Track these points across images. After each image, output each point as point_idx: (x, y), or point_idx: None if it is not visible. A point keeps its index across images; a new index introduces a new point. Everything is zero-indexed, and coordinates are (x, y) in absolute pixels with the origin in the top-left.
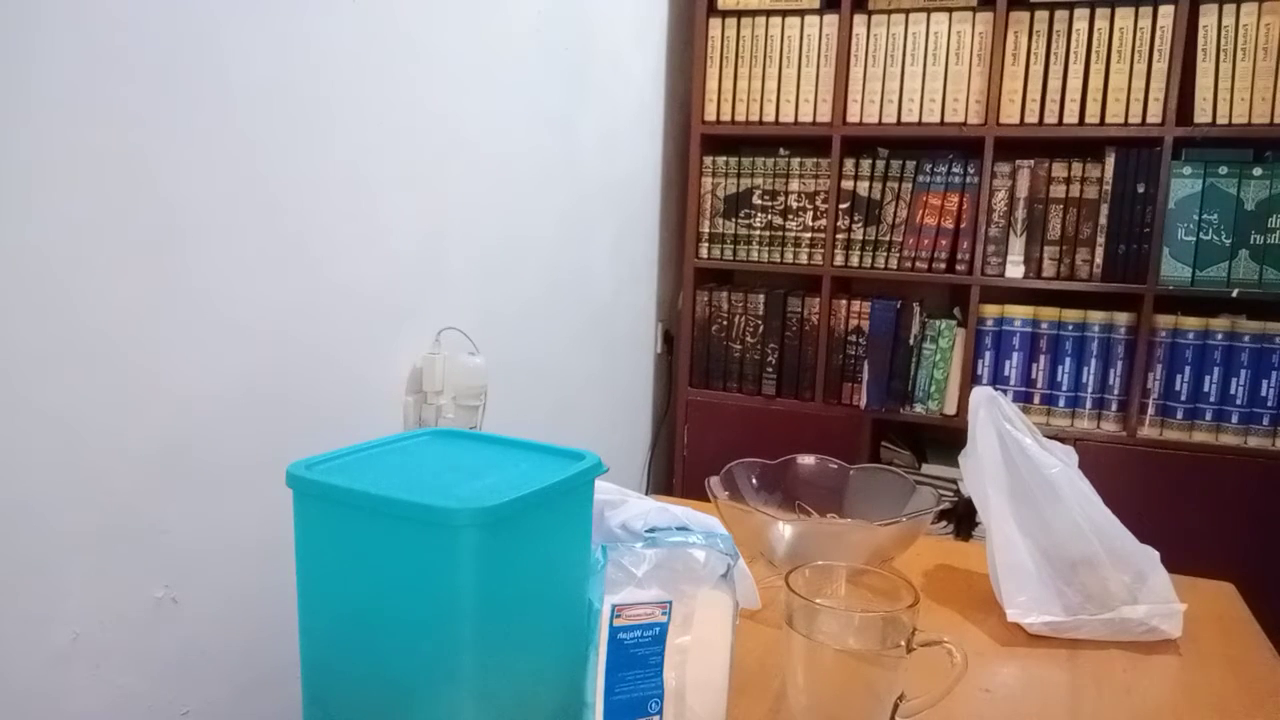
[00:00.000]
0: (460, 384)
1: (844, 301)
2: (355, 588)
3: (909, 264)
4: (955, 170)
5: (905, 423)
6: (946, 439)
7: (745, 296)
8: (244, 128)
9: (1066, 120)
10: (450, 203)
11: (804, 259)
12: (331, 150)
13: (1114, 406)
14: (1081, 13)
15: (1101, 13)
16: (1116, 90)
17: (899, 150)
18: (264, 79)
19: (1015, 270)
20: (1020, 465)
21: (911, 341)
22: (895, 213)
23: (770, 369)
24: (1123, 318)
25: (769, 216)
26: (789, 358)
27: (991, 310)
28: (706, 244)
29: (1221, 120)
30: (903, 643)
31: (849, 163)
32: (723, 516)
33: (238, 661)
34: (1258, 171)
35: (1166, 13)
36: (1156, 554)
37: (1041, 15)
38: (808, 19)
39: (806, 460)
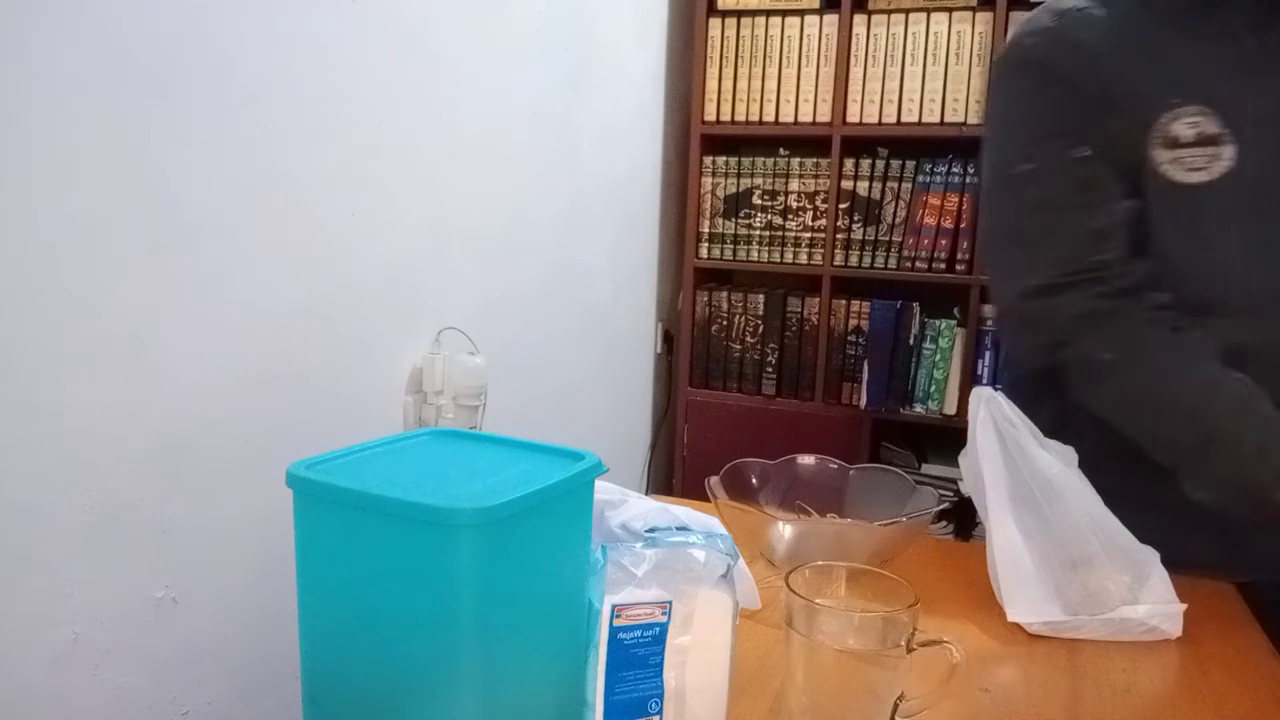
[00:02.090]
0: (460, 384)
1: (844, 301)
2: (355, 588)
3: (909, 264)
4: (955, 170)
5: (905, 423)
6: (946, 439)
7: (745, 296)
8: (245, 128)
9: None
10: (450, 202)
11: (804, 259)
12: (332, 150)
13: None
14: None
15: None
16: None
17: (899, 150)
18: (265, 78)
19: None
20: (1020, 465)
21: (911, 341)
22: (895, 213)
23: (770, 369)
24: None
25: (769, 216)
26: (789, 358)
27: (992, 310)
28: (706, 244)
29: None
30: (903, 643)
31: (849, 163)
32: (723, 516)
33: (238, 662)
34: None
35: None
36: (1156, 554)
37: None
38: (808, 19)
39: (806, 460)
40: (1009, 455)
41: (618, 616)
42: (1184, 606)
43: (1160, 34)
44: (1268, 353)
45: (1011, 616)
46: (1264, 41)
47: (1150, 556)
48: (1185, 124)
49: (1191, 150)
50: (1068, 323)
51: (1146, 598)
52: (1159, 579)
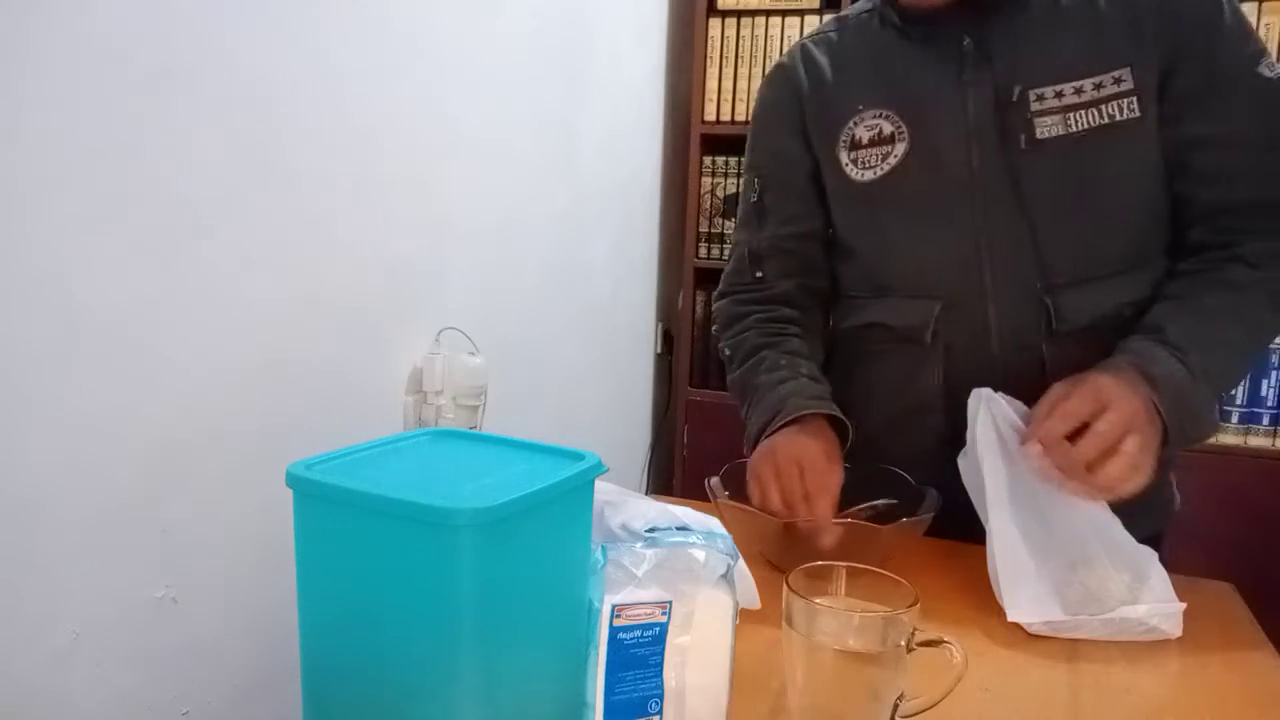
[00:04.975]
0: (460, 384)
1: None
2: (355, 588)
3: None
4: None
5: None
6: None
7: None
8: (243, 128)
9: None
10: (450, 202)
11: None
12: (331, 150)
13: None
14: None
15: None
16: None
17: None
18: (265, 78)
19: None
20: (1021, 465)
21: None
22: None
23: None
24: None
25: None
26: None
27: None
28: (706, 244)
29: None
30: (903, 643)
31: None
32: (723, 516)
33: (238, 661)
34: None
35: None
36: (1154, 554)
37: None
38: (808, 19)
39: None
40: (1009, 455)
41: (618, 616)
42: (1183, 606)
43: (876, 46)
44: (942, 326)
45: (1011, 616)
46: (976, 42)
47: (1149, 556)
48: (865, 127)
49: (867, 150)
50: (719, 322)
51: (1146, 597)
52: (1158, 579)
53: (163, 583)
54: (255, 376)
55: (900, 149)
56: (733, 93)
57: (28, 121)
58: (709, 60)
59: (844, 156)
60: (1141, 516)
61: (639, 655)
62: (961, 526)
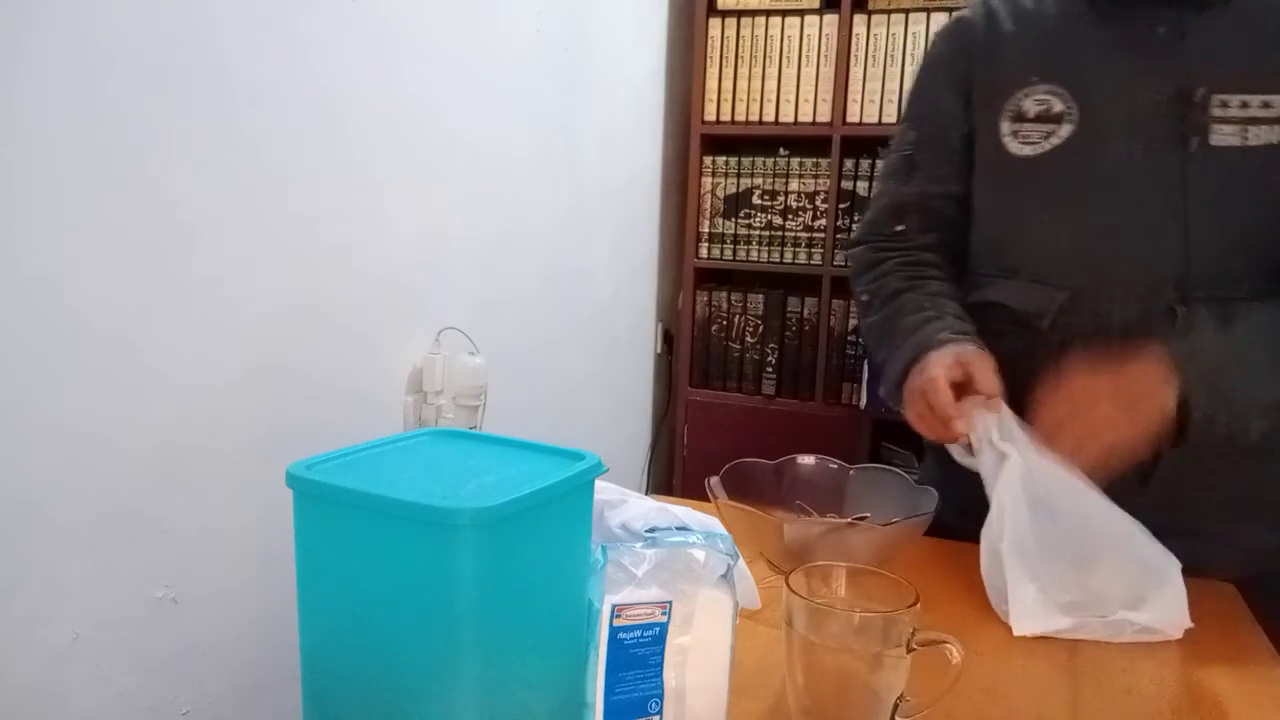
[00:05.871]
0: (460, 384)
1: (844, 301)
2: (355, 588)
3: None
4: None
5: (905, 422)
6: None
7: (745, 296)
8: (243, 128)
9: None
10: (450, 202)
11: (804, 259)
12: (331, 151)
13: None
14: None
15: None
16: None
17: None
18: (264, 79)
19: None
20: (1035, 464)
21: None
22: None
23: (770, 369)
24: None
25: (769, 216)
26: (789, 358)
27: None
28: (706, 244)
29: None
30: (903, 643)
31: (849, 163)
32: (723, 516)
33: (238, 661)
34: None
35: None
36: (1177, 563)
37: None
38: (808, 19)
39: (806, 460)
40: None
41: (618, 616)
42: (1189, 624)
43: (1062, 18)
44: (1063, 316)
45: (1018, 630)
46: (1170, 32)
47: (1169, 564)
48: (1034, 100)
49: (1031, 125)
50: (854, 266)
51: (1152, 605)
52: (1173, 590)
53: (162, 583)
54: (255, 377)
55: (1066, 130)
56: (733, 93)
57: (25, 122)
58: (709, 60)
59: (1005, 127)
60: (1227, 550)
61: (639, 655)
62: (961, 526)
